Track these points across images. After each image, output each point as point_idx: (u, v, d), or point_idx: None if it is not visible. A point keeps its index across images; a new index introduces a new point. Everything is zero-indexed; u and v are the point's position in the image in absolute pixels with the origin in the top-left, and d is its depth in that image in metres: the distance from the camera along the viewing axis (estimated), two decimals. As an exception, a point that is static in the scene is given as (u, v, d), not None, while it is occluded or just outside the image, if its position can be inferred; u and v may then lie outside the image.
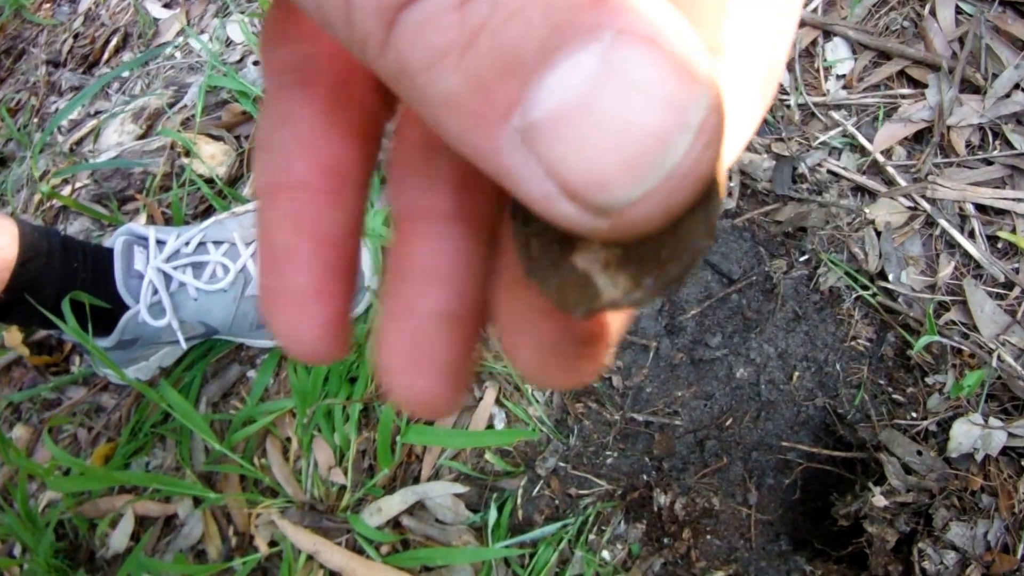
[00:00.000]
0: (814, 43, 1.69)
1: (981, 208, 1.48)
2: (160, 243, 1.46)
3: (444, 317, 0.29)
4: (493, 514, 1.40)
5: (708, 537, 1.40)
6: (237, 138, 1.83)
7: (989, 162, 1.51)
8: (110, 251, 1.42)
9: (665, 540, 1.39)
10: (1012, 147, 1.51)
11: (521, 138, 0.21)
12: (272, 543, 1.44)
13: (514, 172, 0.21)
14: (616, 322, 0.29)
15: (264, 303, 0.31)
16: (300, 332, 0.30)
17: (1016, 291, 1.40)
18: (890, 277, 1.45)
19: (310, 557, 1.39)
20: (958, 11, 1.64)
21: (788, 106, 1.62)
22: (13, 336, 1.70)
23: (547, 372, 0.29)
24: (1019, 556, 1.23)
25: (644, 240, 0.22)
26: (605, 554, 1.38)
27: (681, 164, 0.20)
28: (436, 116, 0.22)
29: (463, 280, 0.30)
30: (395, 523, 1.42)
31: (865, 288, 1.46)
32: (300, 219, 0.31)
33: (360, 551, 1.39)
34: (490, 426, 1.47)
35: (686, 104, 0.20)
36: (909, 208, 1.50)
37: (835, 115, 1.61)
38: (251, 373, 1.59)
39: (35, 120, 2.11)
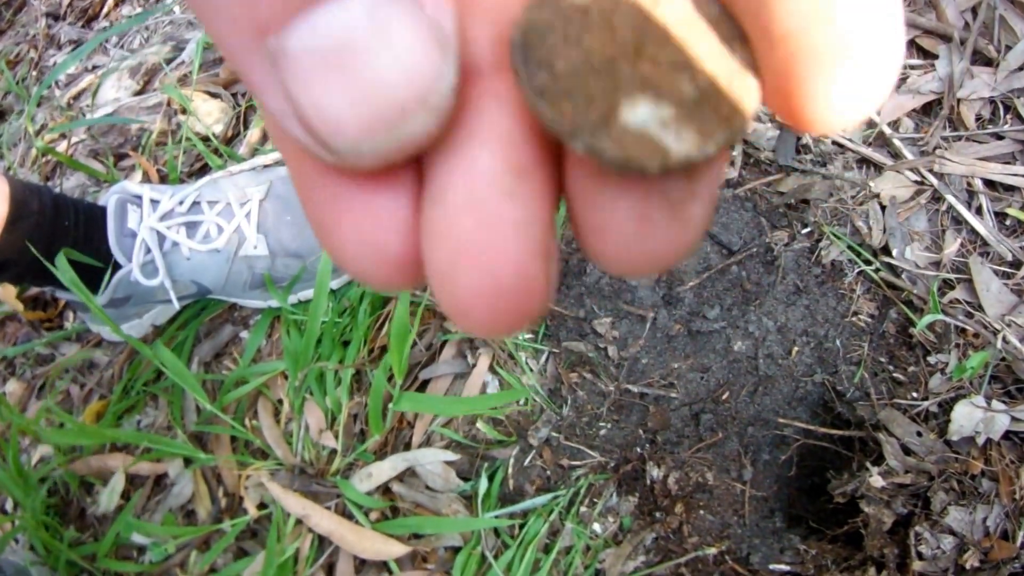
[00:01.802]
0: (824, 10, 1.65)
1: (990, 184, 1.46)
2: (154, 202, 1.44)
3: (516, 170, 0.24)
4: (484, 483, 1.39)
5: (701, 512, 1.39)
6: (234, 95, 1.81)
7: (999, 136, 1.48)
8: (103, 209, 1.41)
9: (657, 514, 1.38)
10: (1023, 121, 1.48)
11: (271, 59, 0.21)
12: (262, 505, 1.43)
13: (257, 83, 0.22)
14: (711, 170, 0.25)
15: (322, 221, 0.26)
16: (371, 238, 0.25)
17: (1023, 270, 1.38)
18: (894, 252, 1.43)
19: (299, 521, 1.38)
20: (972, -20, 1.60)
21: (796, 75, 1.59)
22: (7, 291, 1.69)
23: (645, 247, 0.24)
24: (1018, 543, 1.22)
25: (699, 101, 0.22)
26: (596, 527, 1.37)
27: (413, 137, 0.21)
28: (202, 7, 0.22)
29: (527, 135, 0.24)
30: (385, 489, 1.41)
31: (868, 263, 1.44)
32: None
33: (349, 516, 1.39)
34: (483, 394, 1.45)
35: (433, 79, 0.20)
36: (915, 182, 1.47)
37: (843, 85, 1.58)
38: (244, 334, 1.58)
39: (34, 73, 2.09)
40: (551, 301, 0.27)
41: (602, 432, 1.44)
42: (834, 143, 1.53)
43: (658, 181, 0.23)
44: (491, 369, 1.46)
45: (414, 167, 0.25)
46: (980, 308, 1.37)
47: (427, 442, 1.45)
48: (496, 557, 1.35)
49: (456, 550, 1.36)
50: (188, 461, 1.49)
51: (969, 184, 1.46)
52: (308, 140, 0.21)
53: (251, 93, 0.22)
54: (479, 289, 0.23)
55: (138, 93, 1.90)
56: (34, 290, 1.71)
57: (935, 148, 1.48)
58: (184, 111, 1.78)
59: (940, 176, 1.46)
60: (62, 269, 1.29)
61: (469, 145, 0.24)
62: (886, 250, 1.44)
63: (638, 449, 1.43)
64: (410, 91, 0.20)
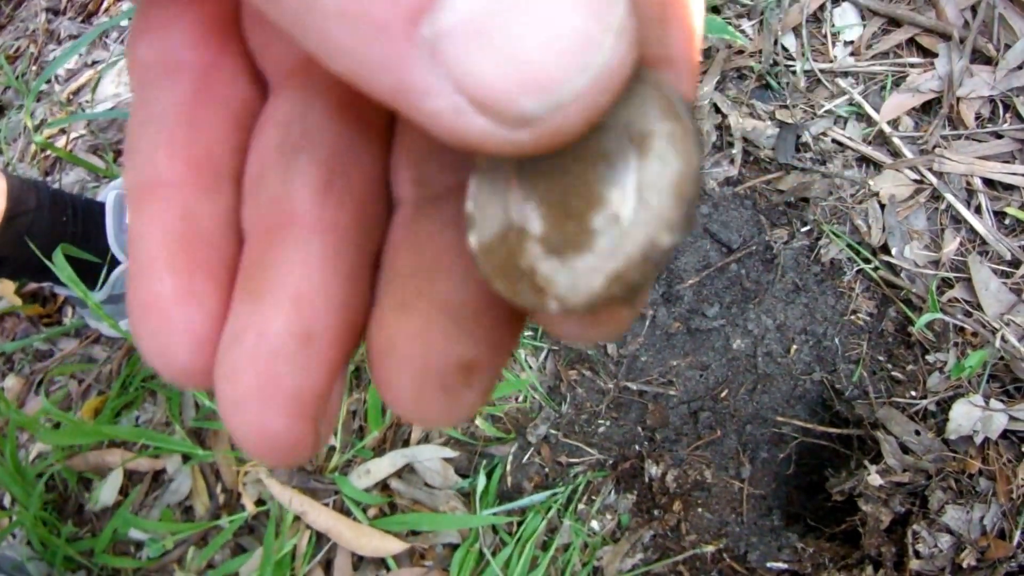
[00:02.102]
0: (822, 8, 1.65)
1: (989, 183, 1.46)
2: (152, 197, 1.44)
3: (300, 338, 0.25)
4: (482, 480, 1.39)
5: (699, 510, 1.39)
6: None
7: (999, 135, 1.48)
8: (102, 205, 1.41)
9: (655, 512, 1.38)
10: (1023, 120, 1.48)
11: (430, 49, 0.20)
12: (260, 502, 1.43)
13: (419, 87, 0.20)
14: (502, 348, 0.27)
15: (132, 322, 0.27)
16: (165, 344, 0.26)
17: (1022, 269, 1.38)
18: (893, 251, 1.43)
19: (297, 517, 1.38)
20: (972, -22, 1.60)
21: (794, 72, 1.59)
22: (5, 287, 1.69)
23: (423, 405, 0.26)
24: (1015, 542, 1.22)
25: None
26: (594, 524, 1.37)
27: (609, 62, 0.20)
28: (326, 30, 0.20)
29: (324, 298, 0.26)
30: (383, 486, 1.41)
31: (867, 261, 1.44)
32: (165, 220, 0.27)
33: (347, 513, 1.39)
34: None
35: (607, 5, 0.20)
36: (915, 181, 1.47)
37: (842, 83, 1.58)
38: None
39: (33, 68, 2.08)
40: (321, 447, 0.28)
41: (601, 429, 1.44)
42: (834, 141, 1.53)
43: (434, 369, 0.25)
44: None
45: (221, 291, 0.27)
46: (979, 307, 1.37)
47: (426, 439, 1.45)
48: (494, 554, 1.35)
49: (454, 547, 1.36)
50: (186, 457, 1.48)
51: (968, 183, 1.46)
52: (493, 127, 0.20)
53: (412, 110, 0.21)
54: (251, 434, 0.25)
55: (137, 88, 1.90)
56: (32, 285, 1.71)
57: (934, 147, 1.48)
58: (183, 107, 1.78)
59: (939, 175, 1.46)
60: (60, 266, 1.29)
61: (267, 298, 0.26)
62: (885, 248, 1.44)
63: (637, 447, 1.43)
64: (586, 19, 0.20)
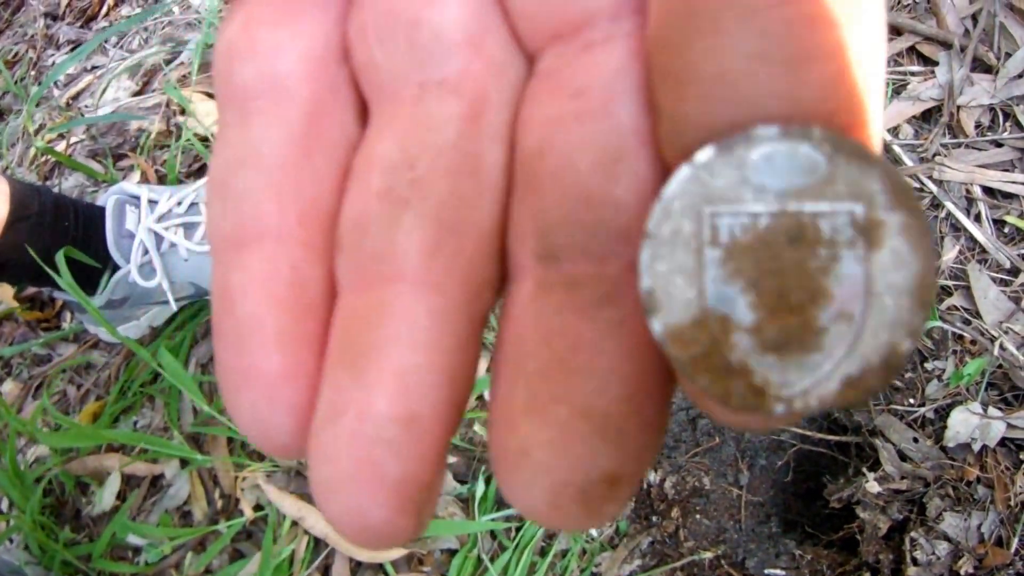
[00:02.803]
0: (824, 16, 1.65)
1: (988, 191, 1.46)
2: (152, 203, 1.44)
3: (404, 421, 0.23)
4: (481, 486, 1.39)
5: (697, 517, 1.39)
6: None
7: (999, 144, 1.49)
8: (102, 210, 1.41)
9: (654, 518, 1.38)
10: (1023, 129, 1.48)
11: None
12: (258, 507, 1.43)
13: None
14: (647, 456, 0.24)
15: (225, 386, 0.25)
16: (271, 424, 0.25)
17: (1021, 277, 1.38)
18: (892, 259, 1.43)
19: (295, 523, 1.38)
20: (972, -13, 1.61)
21: (795, 80, 1.59)
22: (4, 291, 1.69)
23: (560, 517, 0.23)
24: (1013, 550, 1.22)
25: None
26: (592, 530, 1.37)
27: None
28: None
29: (430, 374, 0.24)
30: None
31: (866, 269, 1.44)
32: (271, 281, 0.25)
33: (346, 519, 1.38)
34: (480, 397, 1.46)
35: None
36: (915, 189, 1.47)
37: (842, 91, 1.58)
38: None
39: (32, 73, 2.09)
40: (425, 529, 0.26)
41: (599, 436, 1.44)
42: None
43: (574, 483, 0.23)
44: (488, 371, 1.46)
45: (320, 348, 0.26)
46: (978, 315, 1.37)
47: (424, 445, 1.45)
48: (492, 560, 1.35)
49: (452, 553, 1.36)
50: (185, 462, 1.48)
51: (968, 191, 1.46)
52: None
53: None
54: (349, 521, 0.23)
55: (137, 94, 1.90)
56: (31, 290, 1.71)
57: (934, 155, 1.49)
58: (183, 112, 1.78)
59: (939, 183, 1.47)
60: (61, 271, 1.29)
61: (368, 372, 0.24)
62: (884, 256, 1.44)
63: (635, 453, 1.43)
64: None
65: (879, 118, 0.22)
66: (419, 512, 0.24)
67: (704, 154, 0.21)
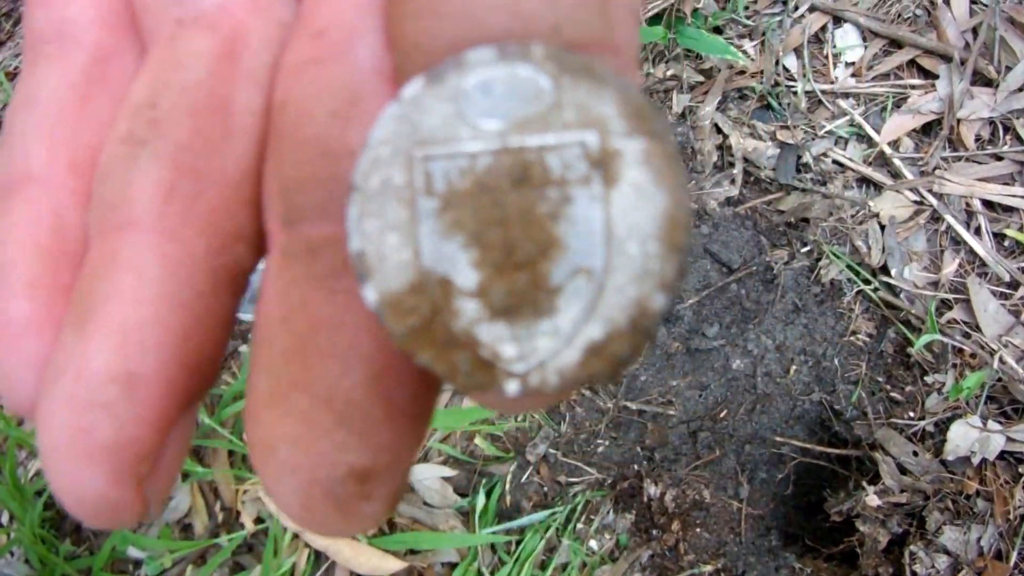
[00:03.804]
0: (824, 29, 1.66)
1: (988, 204, 1.46)
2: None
3: (122, 381, 0.21)
4: (481, 499, 1.39)
5: (697, 530, 1.39)
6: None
7: (999, 157, 1.49)
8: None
9: (654, 531, 1.38)
10: (1022, 142, 1.49)
11: None
12: (258, 520, 1.43)
13: None
14: (404, 448, 0.21)
15: None
16: (13, 377, 0.22)
17: (1021, 291, 1.38)
18: (892, 272, 1.43)
19: (296, 535, 1.38)
20: (973, 0, 1.60)
21: (795, 93, 1.59)
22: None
23: (314, 519, 0.21)
24: (1012, 564, 1.21)
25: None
26: (593, 543, 1.37)
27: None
28: None
29: (156, 331, 0.21)
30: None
31: (867, 282, 1.44)
32: (32, 226, 0.23)
33: (346, 532, 1.38)
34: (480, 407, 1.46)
35: None
36: (915, 202, 1.47)
37: (843, 103, 1.58)
38: (243, 347, 1.58)
39: (35, 83, 2.09)
40: (159, 509, 0.24)
41: (600, 449, 1.44)
42: (834, 162, 1.54)
43: (321, 480, 0.20)
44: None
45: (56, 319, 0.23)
46: (978, 328, 1.37)
47: (425, 457, 1.45)
48: (492, 573, 1.34)
49: (453, 566, 1.36)
50: (185, 475, 1.48)
51: (968, 204, 1.46)
52: None
53: None
54: (65, 491, 0.21)
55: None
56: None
57: (935, 168, 1.49)
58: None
59: (939, 196, 1.47)
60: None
61: (90, 327, 0.21)
62: (885, 270, 1.44)
63: (635, 466, 1.43)
64: None
65: (628, 26, 0.20)
66: (141, 484, 0.22)
67: (412, 88, 0.19)
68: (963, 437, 1.29)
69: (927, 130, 1.54)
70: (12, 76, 2.13)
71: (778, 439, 1.43)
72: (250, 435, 0.21)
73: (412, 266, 0.18)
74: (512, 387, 0.18)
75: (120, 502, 0.21)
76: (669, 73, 1.58)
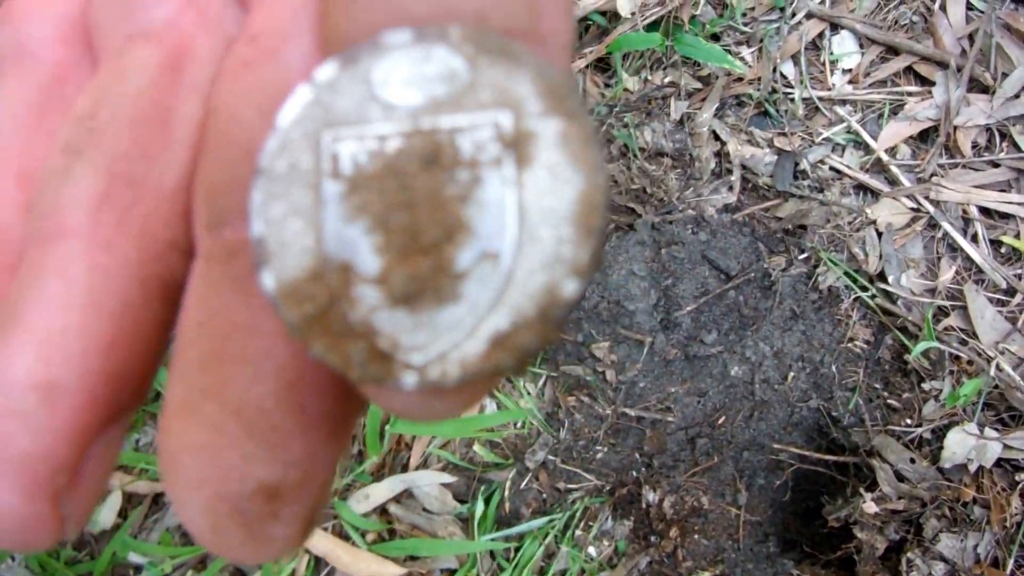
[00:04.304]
0: (821, 35, 1.66)
1: (985, 211, 1.47)
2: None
3: (41, 390, 0.20)
4: (480, 506, 1.39)
5: (696, 536, 1.39)
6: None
7: (995, 164, 1.49)
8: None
9: (652, 538, 1.38)
10: (1019, 149, 1.49)
11: None
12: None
13: None
14: (318, 466, 0.21)
15: None
16: None
17: (1018, 298, 1.39)
18: (890, 279, 1.43)
19: (296, 542, 1.38)
20: (969, 7, 1.60)
21: (792, 100, 1.59)
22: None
23: (222, 539, 0.20)
24: (1008, 571, 1.22)
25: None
26: (591, 550, 1.38)
27: None
28: None
29: (80, 339, 0.21)
30: (382, 511, 1.42)
31: (864, 289, 1.45)
32: None
33: (346, 537, 1.39)
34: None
35: None
36: (912, 209, 1.48)
37: (840, 110, 1.58)
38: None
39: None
40: (79, 528, 0.22)
41: (599, 455, 1.44)
42: (832, 169, 1.54)
43: (228, 496, 0.19)
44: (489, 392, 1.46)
45: None
46: (974, 335, 1.37)
47: (424, 464, 1.45)
48: (492, 580, 1.35)
49: (452, 572, 1.37)
50: (186, 480, 1.49)
51: (965, 211, 1.47)
52: None
53: None
54: None
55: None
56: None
57: (931, 175, 1.49)
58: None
59: (936, 203, 1.47)
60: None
61: (13, 334, 0.21)
62: (882, 276, 1.45)
63: (634, 473, 1.43)
64: None
65: (557, 15, 0.19)
66: (57, 500, 0.21)
67: (326, 70, 0.18)
68: (960, 444, 1.30)
69: (924, 137, 1.55)
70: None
71: (776, 446, 1.43)
72: (160, 446, 0.20)
73: (313, 252, 0.18)
74: (410, 380, 0.17)
75: (34, 519, 0.20)
76: (667, 80, 1.59)
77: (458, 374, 0.17)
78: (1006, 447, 1.29)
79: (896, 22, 1.63)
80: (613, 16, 1.56)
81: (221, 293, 0.20)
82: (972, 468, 1.29)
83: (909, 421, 1.37)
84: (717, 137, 1.58)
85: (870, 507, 1.30)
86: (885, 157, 1.52)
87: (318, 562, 1.39)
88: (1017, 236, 1.43)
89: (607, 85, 1.59)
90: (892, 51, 1.62)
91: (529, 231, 0.17)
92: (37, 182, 0.23)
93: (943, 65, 1.57)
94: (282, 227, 0.18)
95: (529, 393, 1.46)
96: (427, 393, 0.18)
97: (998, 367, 1.34)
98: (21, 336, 0.21)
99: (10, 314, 0.21)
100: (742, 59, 1.64)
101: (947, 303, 1.41)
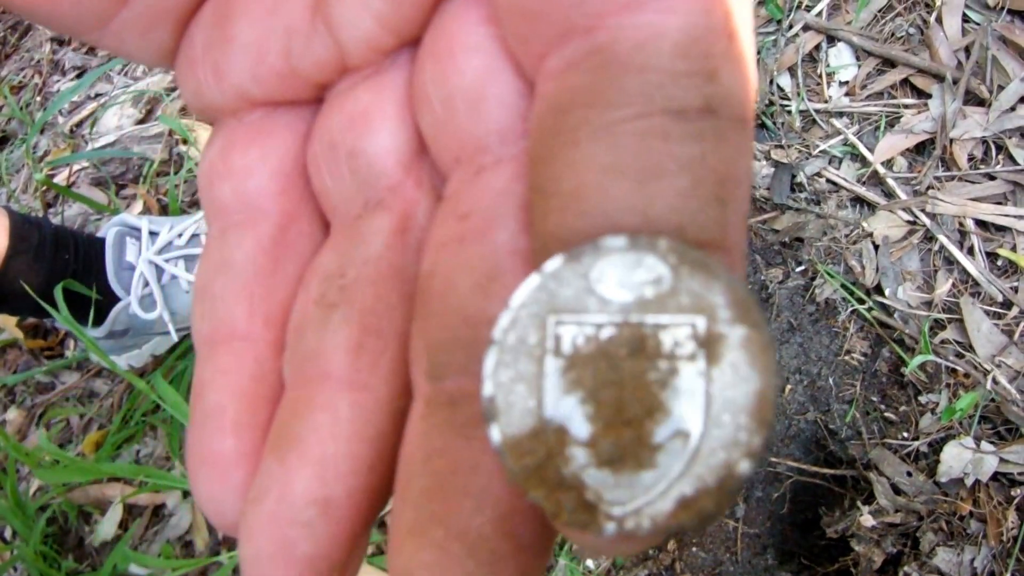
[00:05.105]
0: (817, 48, 1.66)
1: (981, 224, 1.47)
2: (153, 234, 1.45)
3: (319, 504, 0.25)
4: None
5: (693, 549, 1.40)
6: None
7: (991, 177, 1.49)
8: (102, 241, 1.42)
9: (649, 551, 1.38)
10: (1015, 162, 1.49)
11: None
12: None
13: None
14: None
15: (189, 467, 0.28)
16: (222, 502, 0.27)
17: (1014, 311, 1.39)
18: (886, 292, 1.44)
19: (295, 554, 1.39)
20: (965, 19, 1.61)
21: (789, 112, 1.60)
22: (8, 319, 1.70)
23: None
24: (1003, 586, 1.22)
25: None
26: (589, 563, 1.38)
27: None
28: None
29: (348, 462, 0.26)
30: (381, 522, 1.42)
31: (861, 302, 1.45)
32: (236, 374, 0.28)
33: (345, 550, 1.39)
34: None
35: None
36: (908, 222, 1.48)
37: (836, 123, 1.59)
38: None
39: (38, 99, 2.10)
40: None
41: (596, 468, 1.44)
42: (828, 181, 1.54)
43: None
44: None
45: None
46: (971, 348, 1.38)
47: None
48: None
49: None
50: (186, 493, 1.49)
51: (961, 224, 1.47)
52: None
53: None
54: None
55: (140, 122, 1.91)
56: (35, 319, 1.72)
57: (928, 188, 1.49)
58: (185, 141, 1.80)
59: (932, 216, 1.47)
60: (59, 305, 1.30)
61: (291, 458, 0.26)
62: (879, 289, 1.45)
63: (631, 485, 1.43)
64: None
65: (739, 230, 0.22)
66: None
67: (553, 263, 0.21)
68: (956, 458, 1.30)
69: (920, 149, 1.55)
70: (16, 89, 2.14)
71: (773, 458, 1.44)
72: (392, 563, 0.24)
73: (534, 414, 0.21)
74: (610, 528, 0.20)
75: None
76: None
77: (649, 527, 0.20)
78: (1002, 461, 1.29)
79: (893, 34, 1.64)
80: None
81: (444, 435, 0.24)
82: (968, 482, 1.29)
83: (906, 434, 1.37)
84: (714, 150, 1.58)
85: (867, 520, 1.30)
86: (882, 170, 1.53)
87: (317, 575, 1.40)
88: (1013, 249, 1.43)
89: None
90: (889, 63, 1.63)
91: (714, 417, 0.20)
92: (294, 327, 0.28)
93: (939, 78, 1.57)
94: (509, 391, 0.21)
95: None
96: (619, 540, 0.21)
97: (994, 380, 1.34)
98: (299, 460, 0.26)
99: (286, 441, 0.26)
100: (739, 71, 1.64)
101: (943, 316, 1.41)
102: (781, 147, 1.57)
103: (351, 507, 0.26)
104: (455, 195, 0.27)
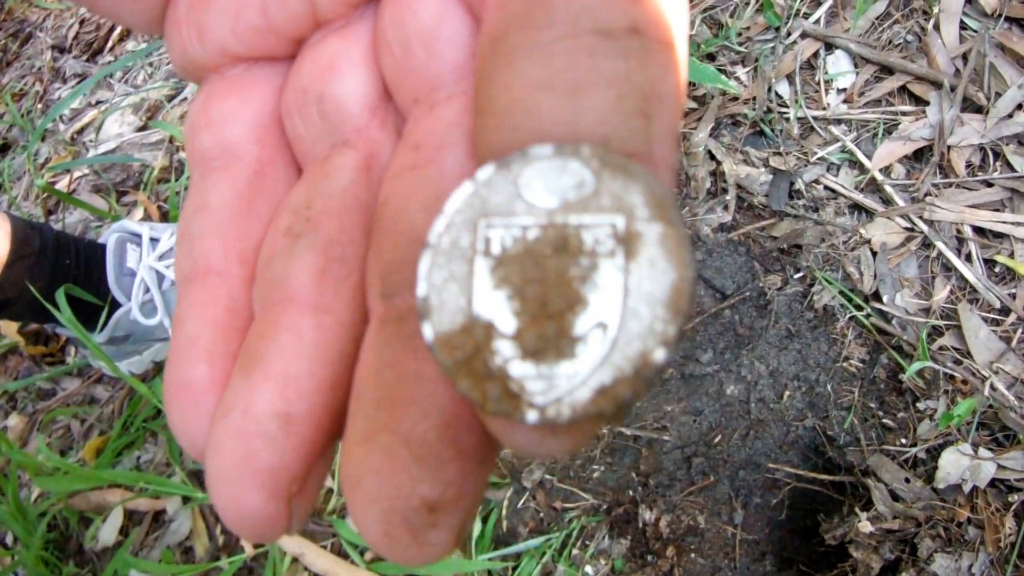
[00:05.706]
0: (816, 55, 1.67)
1: (979, 231, 1.47)
2: (153, 241, 1.46)
3: (281, 418, 0.27)
4: (477, 525, 1.40)
5: (692, 555, 1.40)
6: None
7: (989, 184, 1.50)
8: (103, 247, 1.42)
9: (649, 557, 1.39)
10: (1013, 169, 1.49)
11: None
12: (258, 544, 1.44)
13: None
14: (469, 487, 0.25)
15: (165, 397, 0.29)
16: (191, 427, 0.29)
17: (1012, 317, 1.39)
18: (884, 298, 1.44)
19: (295, 559, 1.39)
20: (963, 26, 1.61)
21: (787, 119, 1.60)
22: (9, 325, 1.71)
23: (392, 545, 0.25)
24: (1001, 592, 1.23)
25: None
26: (588, 569, 1.38)
27: None
28: None
29: (309, 380, 0.27)
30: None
31: (859, 308, 1.45)
32: (210, 307, 0.30)
33: (345, 556, 1.40)
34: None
35: None
36: (906, 229, 1.49)
37: (834, 130, 1.59)
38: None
39: (39, 106, 2.11)
40: (300, 525, 0.29)
41: (595, 474, 1.45)
42: (826, 188, 1.55)
43: (398, 509, 0.24)
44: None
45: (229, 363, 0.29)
46: (969, 355, 1.38)
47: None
48: (489, 599, 1.36)
49: (450, 591, 1.37)
50: (186, 499, 1.50)
51: (959, 231, 1.47)
52: None
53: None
54: (227, 508, 0.26)
55: (141, 129, 1.92)
56: (35, 324, 1.72)
57: (925, 195, 1.50)
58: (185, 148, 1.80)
59: (930, 223, 1.48)
60: (61, 309, 1.31)
61: (256, 376, 0.27)
62: (877, 296, 1.45)
63: (630, 492, 1.44)
64: None
65: (666, 144, 0.24)
66: (290, 502, 0.27)
67: (485, 172, 0.23)
68: (954, 464, 1.30)
69: (918, 156, 1.55)
70: (18, 97, 2.15)
71: (772, 465, 1.44)
72: (343, 470, 0.25)
73: (464, 311, 0.23)
74: (532, 416, 0.21)
75: (273, 517, 0.26)
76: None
77: (569, 415, 0.21)
78: (1000, 467, 1.29)
79: (890, 42, 1.64)
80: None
81: (393, 348, 0.26)
82: (966, 488, 1.29)
83: (904, 440, 1.37)
84: (712, 157, 1.59)
85: (865, 526, 1.30)
86: (879, 176, 1.53)
87: (317, 580, 1.40)
88: (1011, 256, 1.43)
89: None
90: (886, 71, 1.63)
91: (631, 309, 0.21)
92: (263, 258, 0.30)
93: (937, 85, 1.58)
94: (442, 290, 0.23)
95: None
96: (543, 430, 0.22)
97: (992, 387, 1.34)
98: (263, 377, 0.27)
99: (251, 360, 0.28)
100: (737, 79, 1.65)
101: (941, 322, 1.41)
102: (779, 154, 1.58)
103: (312, 423, 0.27)
104: (410, 130, 0.29)
